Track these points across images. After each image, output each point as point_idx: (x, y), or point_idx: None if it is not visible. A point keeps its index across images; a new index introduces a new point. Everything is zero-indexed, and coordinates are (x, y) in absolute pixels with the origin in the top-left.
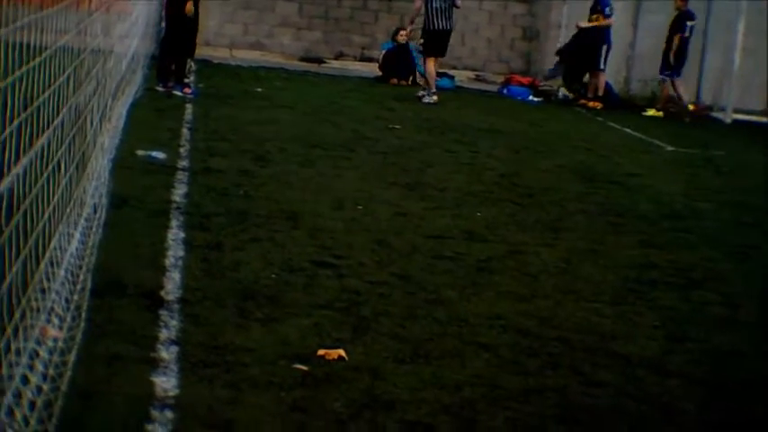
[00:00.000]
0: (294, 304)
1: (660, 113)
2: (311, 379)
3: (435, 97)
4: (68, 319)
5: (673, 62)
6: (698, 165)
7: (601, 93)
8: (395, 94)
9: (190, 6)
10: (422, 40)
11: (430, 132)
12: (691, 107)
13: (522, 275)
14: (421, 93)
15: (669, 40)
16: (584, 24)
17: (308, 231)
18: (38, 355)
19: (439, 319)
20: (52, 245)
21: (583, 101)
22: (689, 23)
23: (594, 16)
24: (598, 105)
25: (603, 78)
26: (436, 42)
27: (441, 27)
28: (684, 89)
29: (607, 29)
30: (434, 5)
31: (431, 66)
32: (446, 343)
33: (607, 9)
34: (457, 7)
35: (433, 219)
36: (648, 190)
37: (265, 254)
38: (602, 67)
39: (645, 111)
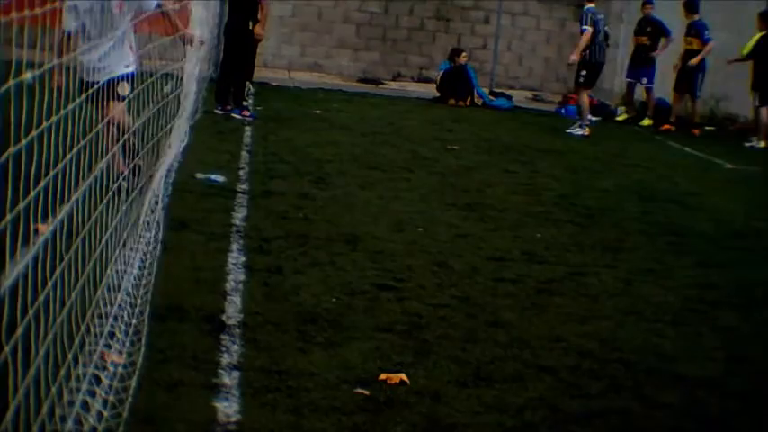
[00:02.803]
0: (355, 328)
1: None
2: (373, 403)
3: (587, 130)
4: (128, 343)
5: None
6: (758, 183)
7: (696, 119)
8: (453, 114)
9: (260, 30)
10: (583, 72)
11: (488, 153)
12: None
13: (582, 297)
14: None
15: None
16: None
17: (369, 254)
18: (99, 380)
19: (500, 342)
20: (110, 269)
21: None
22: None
23: (689, 39)
24: (696, 132)
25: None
26: (593, 74)
27: (601, 60)
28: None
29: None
30: (598, 40)
31: (585, 97)
32: (507, 366)
33: (706, 33)
34: (607, 45)
35: (492, 240)
36: (708, 209)
37: (326, 277)
38: (699, 94)
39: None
